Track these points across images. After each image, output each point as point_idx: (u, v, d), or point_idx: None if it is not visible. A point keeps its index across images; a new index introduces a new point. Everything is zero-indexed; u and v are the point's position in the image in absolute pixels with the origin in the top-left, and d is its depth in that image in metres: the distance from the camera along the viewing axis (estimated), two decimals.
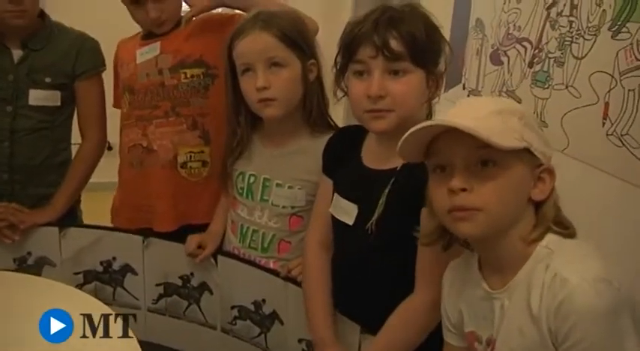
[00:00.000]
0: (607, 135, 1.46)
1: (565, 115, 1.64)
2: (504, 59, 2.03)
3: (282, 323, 1.55)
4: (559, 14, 1.71)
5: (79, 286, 1.73)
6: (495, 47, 2.10)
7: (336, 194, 1.36)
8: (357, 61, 1.23)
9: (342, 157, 1.38)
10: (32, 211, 1.80)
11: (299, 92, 1.50)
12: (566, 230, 1.00)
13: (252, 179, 1.58)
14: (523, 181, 0.98)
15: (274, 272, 1.53)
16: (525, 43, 1.89)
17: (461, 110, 1.02)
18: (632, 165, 1.38)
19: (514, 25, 1.97)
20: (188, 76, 1.73)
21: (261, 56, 1.45)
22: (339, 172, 1.38)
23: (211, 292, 1.67)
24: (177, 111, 1.74)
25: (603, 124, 1.48)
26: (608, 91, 1.47)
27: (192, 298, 1.71)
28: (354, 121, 1.32)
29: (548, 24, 1.77)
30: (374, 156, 1.32)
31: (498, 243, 1.00)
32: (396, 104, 1.21)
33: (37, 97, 1.83)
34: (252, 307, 1.60)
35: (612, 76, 1.45)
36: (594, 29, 1.54)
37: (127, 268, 1.75)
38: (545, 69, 1.77)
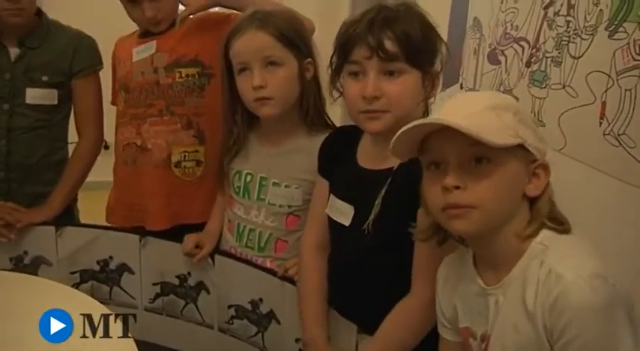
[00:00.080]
0: (604, 135, 1.46)
1: (562, 114, 1.64)
2: (502, 59, 2.03)
3: (279, 323, 1.55)
4: (556, 14, 1.72)
5: (76, 286, 1.73)
6: (493, 47, 2.10)
7: (331, 195, 1.36)
8: (352, 62, 1.23)
9: (338, 157, 1.38)
10: (29, 210, 1.80)
11: (295, 91, 1.50)
12: (560, 226, 0.99)
13: (248, 178, 1.58)
14: (517, 178, 0.98)
15: (271, 272, 1.53)
16: (523, 43, 1.89)
17: (455, 106, 1.01)
18: (629, 165, 1.38)
19: (511, 24, 1.97)
20: (183, 75, 1.73)
21: (258, 55, 1.44)
22: (334, 173, 1.38)
23: (208, 292, 1.67)
24: (172, 110, 1.74)
25: (600, 123, 1.48)
26: (605, 91, 1.47)
27: (189, 298, 1.71)
28: (351, 120, 1.32)
29: (545, 23, 1.77)
30: (369, 156, 1.32)
31: (493, 239, 1.00)
32: (392, 105, 1.21)
33: (34, 95, 1.83)
34: (249, 307, 1.60)
35: (609, 76, 1.45)
36: (591, 29, 1.54)
37: (123, 268, 1.75)
38: (542, 68, 1.77)
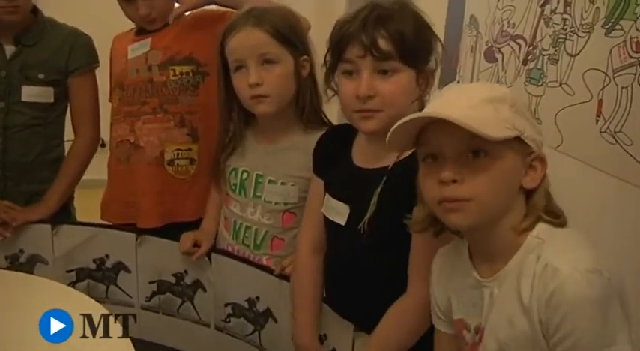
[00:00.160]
0: (600, 132, 1.46)
1: (559, 112, 1.64)
2: (498, 56, 2.03)
3: (275, 321, 1.55)
4: (553, 11, 1.71)
5: (72, 284, 1.73)
6: (489, 44, 2.10)
7: (327, 195, 1.35)
8: (345, 61, 1.22)
9: (333, 157, 1.37)
10: (25, 209, 1.80)
11: (291, 88, 1.50)
12: (557, 219, 0.99)
13: (244, 175, 1.57)
14: (514, 170, 0.97)
15: (268, 269, 1.53)
16: (519, 41, 1.89)
17: (451, 98, 1.00)
18: (625, 162, 1.38)
19: (508, 22, 1.97)
20: (177, 73, 1.72)
21: (254, 53, 1.44)
22: (329, 172, 1.37)
23: (205, 290, 1.67)
24: (165, 108, 1.73)
25: (597, 121, 1.48)
26: (602, 89, 1.47)
27: (186, 296, 1.71)
28: (346, 119, 1.32)
29: (542, 21, 1.77)
30: (364, 155, 1.31)
31: (489, 233, 0.99)
32: (385, 104, 1.20)
33: (30, 93, 1.82)
34: (245, 305, 1.60)
35: (606, 74, 1.45)
36: (588, 26, 1.54)
37: (120, 266, 1.75)
38: (539, 66, 1.77)
